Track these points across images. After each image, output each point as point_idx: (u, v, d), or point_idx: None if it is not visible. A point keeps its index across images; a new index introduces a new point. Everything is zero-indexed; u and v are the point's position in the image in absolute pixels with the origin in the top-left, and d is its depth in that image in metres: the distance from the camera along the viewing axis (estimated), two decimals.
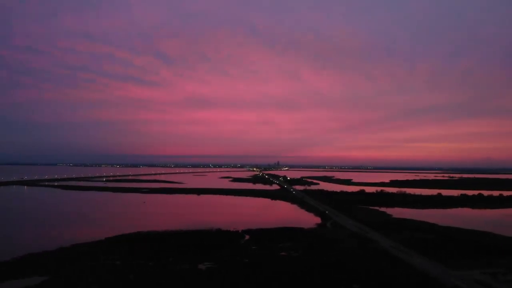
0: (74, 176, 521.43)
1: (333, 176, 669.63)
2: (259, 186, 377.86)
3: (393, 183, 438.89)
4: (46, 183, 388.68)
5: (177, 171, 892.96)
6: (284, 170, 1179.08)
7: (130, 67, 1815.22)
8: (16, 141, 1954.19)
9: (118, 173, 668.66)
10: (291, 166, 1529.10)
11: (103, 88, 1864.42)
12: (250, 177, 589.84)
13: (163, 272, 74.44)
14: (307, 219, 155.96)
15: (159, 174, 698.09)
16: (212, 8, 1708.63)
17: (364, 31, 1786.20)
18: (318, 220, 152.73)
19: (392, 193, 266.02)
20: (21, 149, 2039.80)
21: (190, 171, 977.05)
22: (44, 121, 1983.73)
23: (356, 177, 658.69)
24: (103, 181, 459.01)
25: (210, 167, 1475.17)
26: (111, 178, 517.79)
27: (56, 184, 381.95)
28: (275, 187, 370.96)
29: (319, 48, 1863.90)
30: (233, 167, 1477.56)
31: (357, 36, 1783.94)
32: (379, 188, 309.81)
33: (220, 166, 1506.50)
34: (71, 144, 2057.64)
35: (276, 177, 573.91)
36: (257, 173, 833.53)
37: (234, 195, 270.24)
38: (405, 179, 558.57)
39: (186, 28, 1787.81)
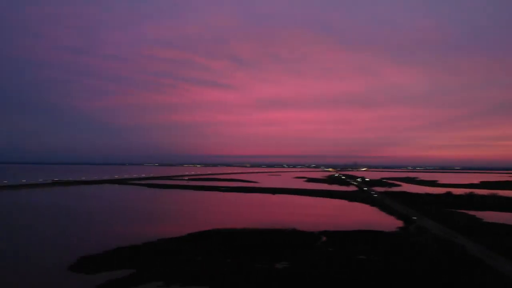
0: (159, 175, 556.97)
1: (416, 177, 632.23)
2: (335, 187, 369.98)
3: (483, 185, 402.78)
4: (134, 182, 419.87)
5: (253, 171, 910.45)
6: (362, 170, 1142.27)
7: (207, 71, 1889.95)
8: (105, 143, 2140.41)
9: (198, 172, 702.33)
10: (370, 167, 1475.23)
11: (183, 92, 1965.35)
12: (326, 178, 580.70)
13: (240, 270, 75.99)
14: (388, 222, 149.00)
15: (236, 173, 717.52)
16: (284, 8, 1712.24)
17: (447, 22, 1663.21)
18: (399, 223, 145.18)
19: (483, 195, 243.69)
20: (109, 150, 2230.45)
21: (265, 170, 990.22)
22: (130, 124, 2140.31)
23: (441, 178, 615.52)
24: (185, 180, 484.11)
25: (284, 167, 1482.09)
26: (192, 177, 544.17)
27: (143, 182, 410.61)
28: (352, 188, 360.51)
29: (398, 42, 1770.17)
30: (307, 167, 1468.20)
31: (439, 28, 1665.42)
32: (468, 190, 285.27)
33: (294, 166, 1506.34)
34: (156, 145, 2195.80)
35: (353, 178, 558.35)
36: (333, 173, 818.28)
37: (309, 196, 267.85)
38: (497, 180, 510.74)
39: (259, 30, 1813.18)
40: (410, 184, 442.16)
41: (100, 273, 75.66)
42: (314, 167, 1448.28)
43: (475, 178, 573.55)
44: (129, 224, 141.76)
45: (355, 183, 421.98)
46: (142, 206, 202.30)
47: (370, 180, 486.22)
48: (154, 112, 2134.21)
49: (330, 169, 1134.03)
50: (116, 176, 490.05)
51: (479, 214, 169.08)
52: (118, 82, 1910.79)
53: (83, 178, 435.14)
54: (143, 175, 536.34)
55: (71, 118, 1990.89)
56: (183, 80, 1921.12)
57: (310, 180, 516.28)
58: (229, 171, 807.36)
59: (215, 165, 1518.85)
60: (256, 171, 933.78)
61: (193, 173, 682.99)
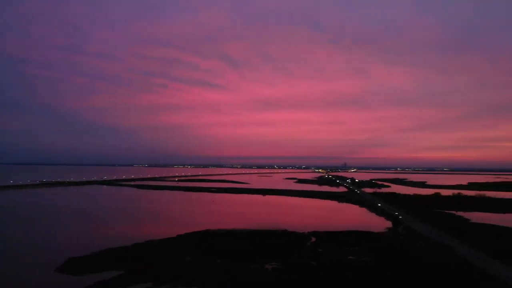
0: (149, 176, 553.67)
1: (406, 179, 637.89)
2: (325, 188, 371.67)
3: (471, 186, 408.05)
4: (124, 183, 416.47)
5: (243, 172, 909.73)
6: (351, 171, 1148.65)
7: (198, 71, 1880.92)
8: (93, 143, 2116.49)
9: (189, 173, 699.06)
10: (360, 168, 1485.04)
11: (174, 92, 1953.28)
12: (316, 179, 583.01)
13: (231, 271, 75.78)
14: (377, 223, 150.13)
15: (227, 174, 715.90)
16: (275, 7, 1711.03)
17: (438, 22, 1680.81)
18: (388, 224, 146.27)
19: (471, 197, 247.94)
20: (99, 151, 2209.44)
21: (256, 172, 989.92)
22: (120, 124, 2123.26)
23: (430, 179, 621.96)
24: (175, 181, 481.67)
25: (275, 168, 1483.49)
26: (182, 178, 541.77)
27: (132, 183, 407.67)
28: (342, 189, 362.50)
29: (390, 42, 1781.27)
30: (298, 168, 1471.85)
31: (432, 28, 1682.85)
32: (456, 191, 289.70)
33: (285, 167, 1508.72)
34: (146, 146, 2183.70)
35: (343, 179, 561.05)
36: (323, 174, 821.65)
37: (300, 197, 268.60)
38: (484, 181, 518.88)
39: (249, 29, 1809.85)
40: (399, 185, 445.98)
41: (88, 274, 74.90)
42: (305, 168, 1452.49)
43: (463, 180, 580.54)
44: (119, 225, 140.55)
45: (345, 184, 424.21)
46: (131, 207, 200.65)
47: (360, 181, 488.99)
48: (145, 112, 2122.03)
49: (321, 170, 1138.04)
50: (105, 177, 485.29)
51: (467, 215, 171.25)
52: (108, 81, 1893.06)
53: (72, 179, 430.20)
54: (133, 176, 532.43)
55: (60, 117, 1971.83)
56: (174, 80, 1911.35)
57: (301, 181, 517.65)
58: (220, 172, 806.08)
59: (205, 166, 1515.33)
60: (247, 172, 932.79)
61: (183, 174, 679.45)
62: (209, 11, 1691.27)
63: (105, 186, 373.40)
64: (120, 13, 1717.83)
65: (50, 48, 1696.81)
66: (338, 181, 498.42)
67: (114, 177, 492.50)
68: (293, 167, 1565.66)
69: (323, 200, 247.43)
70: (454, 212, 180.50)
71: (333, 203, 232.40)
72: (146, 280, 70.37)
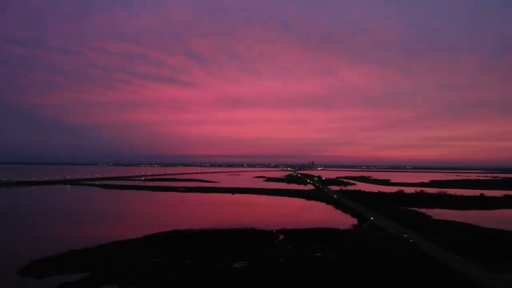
0: (114, 175, 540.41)
1: (370, 176, 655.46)
2: (293, 186, 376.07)
3: (433, 184, 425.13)
4: (88, 182, 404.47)
5: (212, 171, 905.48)
6: (319, 170, 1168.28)
7: (163, 67, 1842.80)
8: (54, 141, 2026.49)
9: (156, 173, 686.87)
10: (326, 166, 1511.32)
11: (138, 89, 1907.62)
12: (284, 177, 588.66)
13: (198, 271, 75.37)
14: (343, 220, 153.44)
15: (195, 173, 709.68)
16: (243, 4, 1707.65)
17: (404, 24, 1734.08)
18: (354, 221, 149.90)
19: (432, 194, 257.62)
20: (61, 150, 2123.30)
21: (225, 170, 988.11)
22: (82, 122, 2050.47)
23: (394, 177, 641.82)
24: (142, 180, 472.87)
25: (244, 166, 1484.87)
26: (149, 177, 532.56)
27: (97, 183, 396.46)
28: (309, 187, 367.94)
29: (356, 43, 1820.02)
30: (267, 166, 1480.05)
31: (397, 29, 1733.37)
32: (418, 189, 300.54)
33: (254, 166, 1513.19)
34: (111, 144, 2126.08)
35: (311, 177, 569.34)
36: (291, 172, 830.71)
37: (268, 195, 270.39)
38: (445, 179, 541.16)
39: (217, 25, 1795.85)
40: (364, 183, 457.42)
41: (52, 276, 72.56)
42: (274, 166, 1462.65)
43: (425, 177, 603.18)
44: (83, 226, 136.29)
45: (312, 182, 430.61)
46: (96, 207, 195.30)
47: (326, 179, 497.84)
48: (108, 109, 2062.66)
49: (289, 169, 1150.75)
50: (68, 177, 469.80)
51: (429, 211, 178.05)
52: (69, 76, 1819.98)
53: (33, 179, 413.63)
54: (97, 175, 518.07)
55: (17, 114, 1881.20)
56: (137, 76, 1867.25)
57: (269, 179, 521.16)
58: (188, 171, 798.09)
59: (173, 165, 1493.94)
60: (216, 171, 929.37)
61: (150, 173, 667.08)
62: (175, 6, 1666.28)
63: (68, 186, 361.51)
64: (82, 6, 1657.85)
65: (9, 42, 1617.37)
66: (306, 179, 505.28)
67: (78, 177, 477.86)
68: (262, 165, 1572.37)
69: (291, 198, 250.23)
70: (417, 209, 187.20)
71: (301, 201, 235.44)
72: (111, 282, 68.82)
